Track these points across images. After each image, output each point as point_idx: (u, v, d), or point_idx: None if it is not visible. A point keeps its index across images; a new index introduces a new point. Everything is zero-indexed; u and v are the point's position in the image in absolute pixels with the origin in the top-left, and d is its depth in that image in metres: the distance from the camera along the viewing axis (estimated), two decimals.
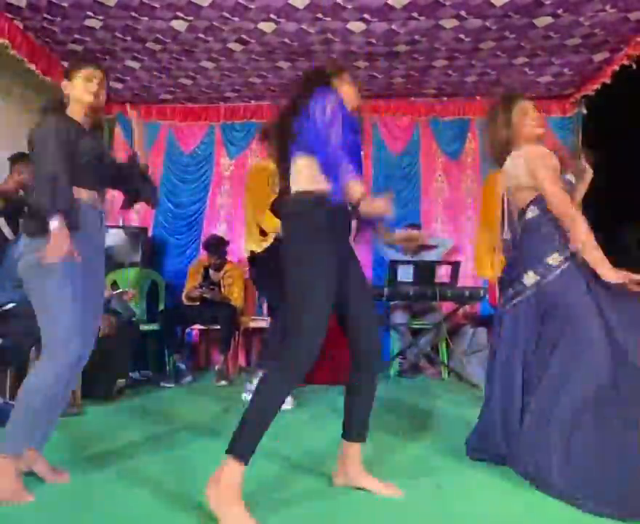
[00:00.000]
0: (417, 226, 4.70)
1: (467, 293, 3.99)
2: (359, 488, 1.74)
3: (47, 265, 1.66)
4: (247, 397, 3.06)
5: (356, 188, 1.59)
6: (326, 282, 1.64)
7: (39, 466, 1.80)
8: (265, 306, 4.50)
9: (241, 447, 1.54)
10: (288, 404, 2.90)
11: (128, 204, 2.14)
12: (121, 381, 3.29)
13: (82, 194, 1.83)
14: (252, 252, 3.16)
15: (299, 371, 1.61)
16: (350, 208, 1.76)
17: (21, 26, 3.68)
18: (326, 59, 3.92)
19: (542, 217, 1.97)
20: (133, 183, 2.05)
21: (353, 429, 1.80)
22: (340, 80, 1.87)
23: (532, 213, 2.00)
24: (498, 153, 2.16)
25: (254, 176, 3.22)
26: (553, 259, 1.91)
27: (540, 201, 1.98)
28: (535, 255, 1.96)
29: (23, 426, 1.69)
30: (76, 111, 1.91)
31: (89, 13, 3.56)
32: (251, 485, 1.64)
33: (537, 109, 2.16)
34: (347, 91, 1.86)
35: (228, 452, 1.54)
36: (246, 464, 1.54)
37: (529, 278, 1.95)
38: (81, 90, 1.90)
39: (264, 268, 3.10)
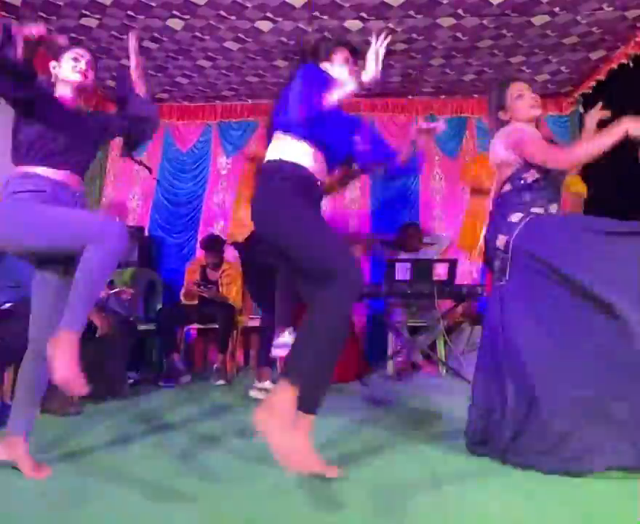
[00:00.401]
0: (415, 225, 4.72)
1: (464, 291, 3.99)
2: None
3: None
4: (258, 396, 3.08)
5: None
6: (311, 211, 1.74)
7: (20, 455, 1.80)
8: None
9: (310, 397, 1.54)
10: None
11: (127, 149, 2.11)
12: (130, 380, 3.32)
13: (56, 175, 1.80)
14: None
15: (356, 287, 1.58)
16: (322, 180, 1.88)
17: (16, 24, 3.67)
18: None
19: (513, 191, 2.04)
20: (126, 118, 2.02)
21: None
22: (334, 56, 1.92)
23: (506, 188, 2.07)
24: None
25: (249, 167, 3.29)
26: (515, 217, 1.98)
27: (514, 178, 2.03)
28: (502, 218, 2.03)
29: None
30: (63, 92, 1.91)
31: (85, 12, 3.55)
32: None
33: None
34: (339, 71, 1.89)
35: (284, 376, 1.51)
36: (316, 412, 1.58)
37: (500, 241, 2.01)
38: (68, 70, 1.90)
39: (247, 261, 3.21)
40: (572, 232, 1.86)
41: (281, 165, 1.79)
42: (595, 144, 1.82)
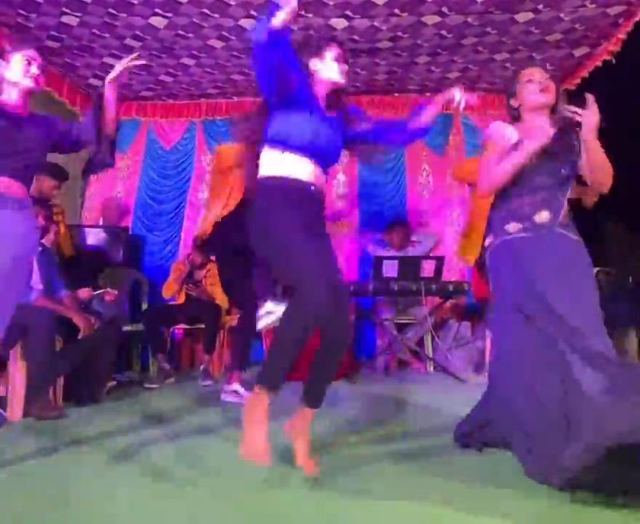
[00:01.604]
0: (402, 223, 4.73)
1: (451, 287, 4.02)
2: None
3: None
4: (226, 398, 3.06)
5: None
6: (296, 231, 1.72)
7: None
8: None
9: (267, 378, 1.67)
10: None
11: (86, 171, 2.09)
12: (112, 383, 3.28)
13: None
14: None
15: (311, 307, 1.64)
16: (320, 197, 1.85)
17: None
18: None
19: (496, 200, 1.96)
20: (88, 141, 1.98)
21: (311, 391, 1.84)
22: (325, 53, 1.86)
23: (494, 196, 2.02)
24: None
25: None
26: (486, 242, 1.95)
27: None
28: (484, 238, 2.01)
29: None
30: (9, 94, 1.84)
31: (66, 10, 3.49)
32: None
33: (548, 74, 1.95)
34: (329, 67, 1.85)
35: (257, 382, 1.66)
36: (273, 393, 1.65)
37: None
38: (18, 72, 1.83)
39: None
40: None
41: (266, 182, 1.82)
42: (509, 162, 1.79)
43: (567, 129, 1.87)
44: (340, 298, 1.78)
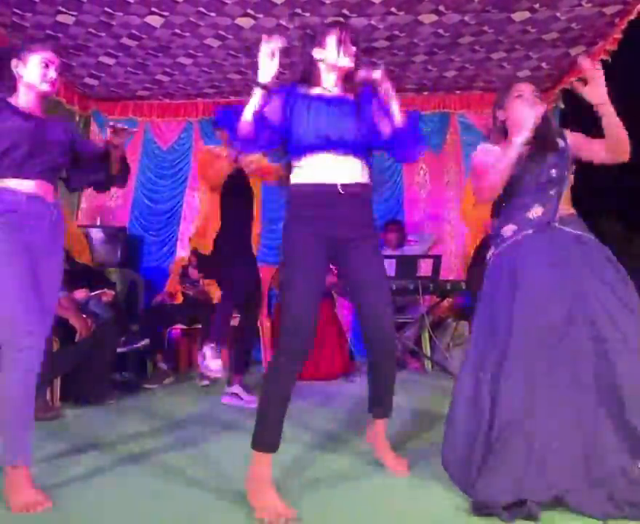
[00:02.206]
0: (398, 223, 4.73)
1: (449, 286, 4.02)
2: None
3: None
4: (227, 400, 3.05)
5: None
6: (301, 269, 1.67)
7: None
8: None
9: (260, 439, 1.63)
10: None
11: (70, 185, 2.03)
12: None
13: (20, 185, 1.73)
14: None
15: (287, 358, 1.64)
16: (342, 191, 1.71)
17: None
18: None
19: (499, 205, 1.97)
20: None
21: (375, 403, 1.87)
22: (326, 39, 1.77)
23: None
24: (495, 142, 1.95)
25: None
26: (488, 254, 1.95)
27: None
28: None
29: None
30: (26, 97, 1.80)
31: (61, 8, 3.47)
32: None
33: (538, 94, 1.91)
34: (331, 53, 1.76)
35: (252, 446, 1.63)
36: (271, 452, 1.62)
37: None
38: (36, 76, 1.78)
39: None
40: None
41: (289, 192, 1.79)
42: (503, 163, 1.77)
43: (549, 132, 1.86)
44: (378, 309, 1.74)
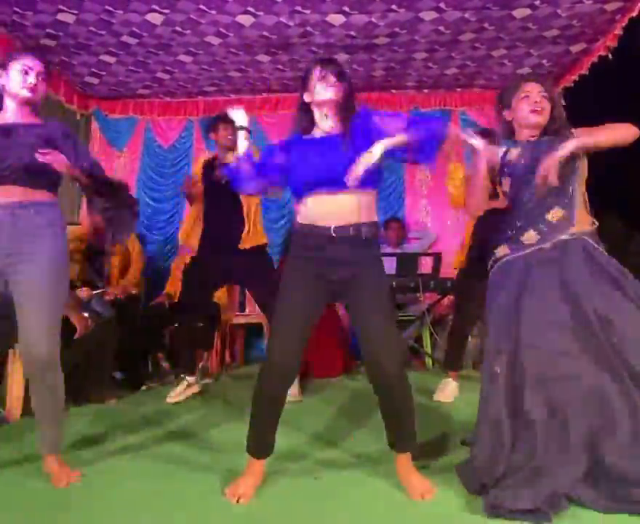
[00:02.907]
0: (397, 221, 4.73)
1: (449, 284, 4.02)
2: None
3: None
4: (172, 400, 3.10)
5: None
6: (288, 307, 1.74)
7: None
8: (247, 303, 4.49)
9: (249, 445, 1.76)
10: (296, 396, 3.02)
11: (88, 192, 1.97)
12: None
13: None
14: None
15: (266, 373, 1.73)
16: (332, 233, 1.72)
17: None
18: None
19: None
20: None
21: (389, 438, 1.80)
22: (309, 83, 1.83)
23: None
24: (501, 140, 1.93)
25: None
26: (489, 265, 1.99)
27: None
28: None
29: None
30: (10, 105, 1.80)
31: (62, 7, 3.47)
32: None
33: (547, 93, 1.88)
34: (319, 92, 1.79)
35: (247, 451, 1.76)
36: (259, 458, 1.75)
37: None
38: (16, 84, 1.78)
39: None
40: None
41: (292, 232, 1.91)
42: (474, 179, 1.85)
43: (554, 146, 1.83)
44: (375, 344, 1.70)
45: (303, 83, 1.83)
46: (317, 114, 1.82)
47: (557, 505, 1.50)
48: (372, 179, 1.71)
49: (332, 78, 1.76)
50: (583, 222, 1.82)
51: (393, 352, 1.70)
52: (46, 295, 1.74)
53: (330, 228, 1.70)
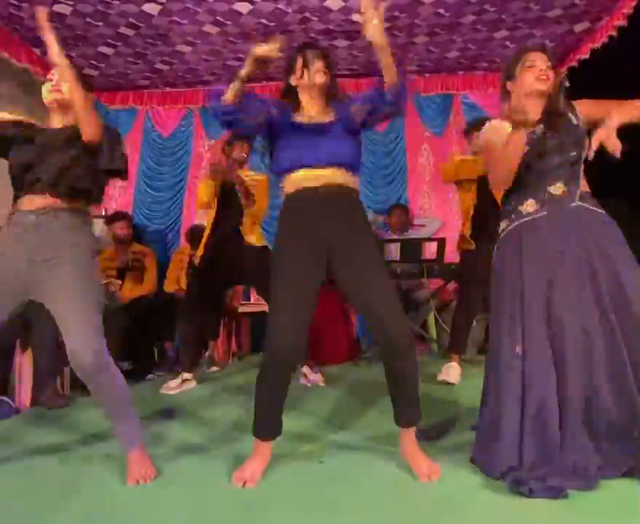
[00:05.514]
0: (402, 207, 4.71)
1: (453, 269, 4.00)
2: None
3: None
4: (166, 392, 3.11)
5: None
6: (286, 278, 1.71)
7: None
8: (252, 292, 4.50)
9: (255, 428, 1.76)
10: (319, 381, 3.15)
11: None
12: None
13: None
14: None
15: (269, 358, 1.69)
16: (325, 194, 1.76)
17: None
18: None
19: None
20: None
21: (395, 412, 1.79)
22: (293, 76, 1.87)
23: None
24: (506, 115, 1.84)
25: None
26: (500, 227, 1.92)
27: None
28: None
29: None
30: (52, 114, 1.88)
31: None
32: None
33: (552, 63, 1.83)
34: (299, 82, 1.85)
35: (253, 434, 1.76)
36: (265, 440, 1.75)
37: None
38: (45, 93, 1.87)
39: None
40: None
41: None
42: (507, 151, 1.75)
43: (565, 117, 1.82)
44: (377, 312, 1.67)
45: (290, 66, 1.88)
46: (303, 97, 1.88)
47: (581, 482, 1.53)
48: (353, 160, 1.83)
49: (320, 64, 1.83)
50: (586, 196, 1.81)
51: (398, 315, 1.69)
52: (80, 295, 1.65)
53: (317, 187, 1.76)
